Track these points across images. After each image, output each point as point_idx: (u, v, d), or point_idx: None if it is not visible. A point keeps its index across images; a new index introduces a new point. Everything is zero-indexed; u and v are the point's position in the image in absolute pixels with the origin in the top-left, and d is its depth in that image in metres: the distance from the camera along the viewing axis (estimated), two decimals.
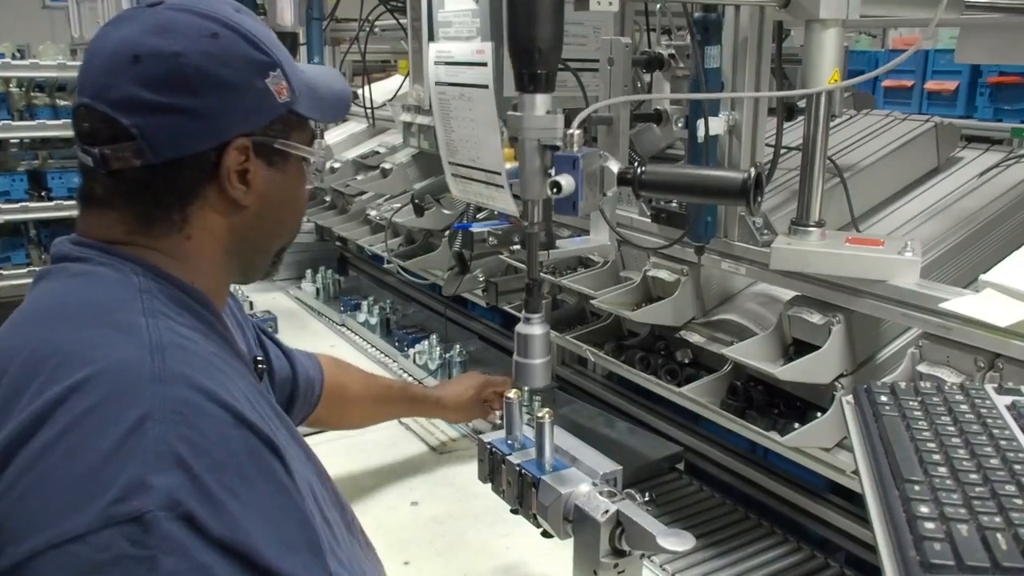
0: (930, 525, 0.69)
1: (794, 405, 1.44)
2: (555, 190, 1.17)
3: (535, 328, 1.23)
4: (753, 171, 1.14)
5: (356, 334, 2.68)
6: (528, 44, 1.13)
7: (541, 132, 1.18)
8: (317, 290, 2.98)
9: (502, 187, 1.70)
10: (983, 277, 1.16)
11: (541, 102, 1.17)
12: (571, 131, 1.19)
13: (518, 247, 1.41)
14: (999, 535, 0.67)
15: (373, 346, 2.58)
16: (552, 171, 1.19)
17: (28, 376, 0.80)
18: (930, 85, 3.46)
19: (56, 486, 0.74)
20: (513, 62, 1.16)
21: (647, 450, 1.79)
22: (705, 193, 1.23)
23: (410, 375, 2.34)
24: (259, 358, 1.12)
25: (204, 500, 0.75)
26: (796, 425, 1.36)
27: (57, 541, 0.71)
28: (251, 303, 2.82)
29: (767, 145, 1.41)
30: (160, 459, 0.75)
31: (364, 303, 2.70)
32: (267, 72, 0.95)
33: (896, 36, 4.34)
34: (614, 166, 1.22)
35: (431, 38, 1.85)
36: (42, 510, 0.73)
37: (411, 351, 2.37)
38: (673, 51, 1.42)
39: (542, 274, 1.72)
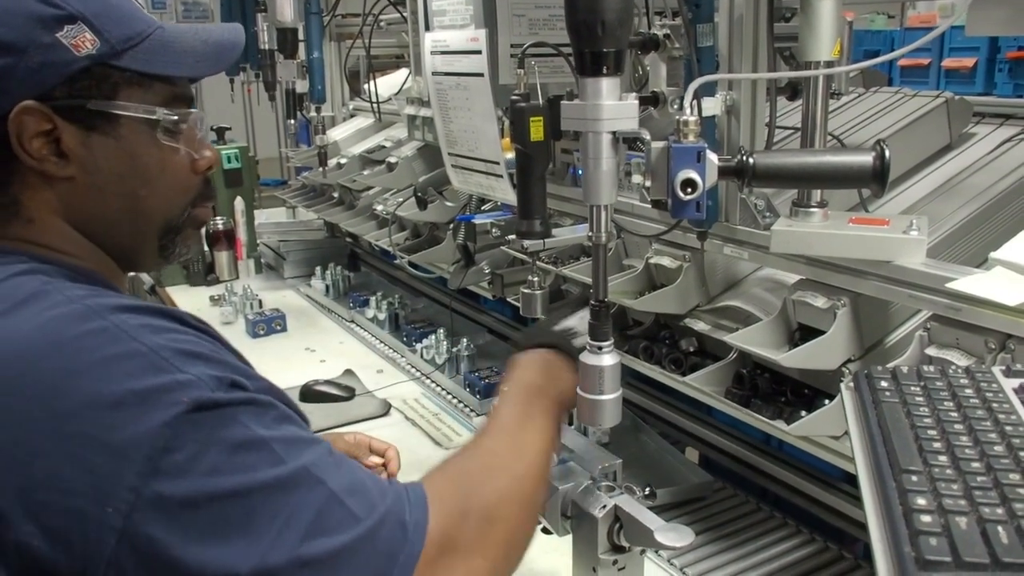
0: (927, 518, 0.65)
1: (802, 393, 1.40)
2: (689, 190, 1.05)
3: (605, 358, 1.06)
4: (878, 148, 1.08)
5: (365, 330, 2.66)
6: (589, 17, 0.95)
7: (617, 122, 1.01)
8: (327, 287, 2.96)
9: (501, 176, 1.68)
10: (993, 255, 1.12)
11: (610, 87, 1.00)
12: (685, 117, 1.08)
13: (513, 238, 1.37)
14: (1000, 528, 0.63)
15: (382, 342, 2.56)
16: (640, 167, 1.08)
17: None
18: (947, 63, 3.37)
19: (102, 436, 0.71)
20: (572, 40, 1.00)
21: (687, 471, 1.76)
22: (830, 180, 1.15)
23: (418, 370, 2.32)
24: None
25: (232, 371, 0.78)
26: (803, 413, 1.32)
27: (145, 469, 0.70)
28: (260, 301, 2.81)
29: (767, 125, 1.36)
30: (173, 360, 0.75)
31: (372, 299, 2.68)
32: (59, 26, 0.84)
33: (913, 14, 4.25)
34: (713, 157, 1.10)
35: (427, 27, 1.82)
36: (108, 462, 0.70)
37: (419, 346, 2.34)
38: (668, 31, 1.37)
39: (542, 264, 1.69)
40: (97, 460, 0.70)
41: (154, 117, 0.91)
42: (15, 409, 0.72)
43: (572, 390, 1.09)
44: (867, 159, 1.10)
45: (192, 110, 0.95)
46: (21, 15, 0.83)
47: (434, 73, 1.74)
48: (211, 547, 0.71)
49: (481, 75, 1.59)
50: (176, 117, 0.92)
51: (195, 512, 0.71)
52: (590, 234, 1.13)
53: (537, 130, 1.32)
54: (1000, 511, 0.65)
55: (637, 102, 1.05)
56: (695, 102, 1.14)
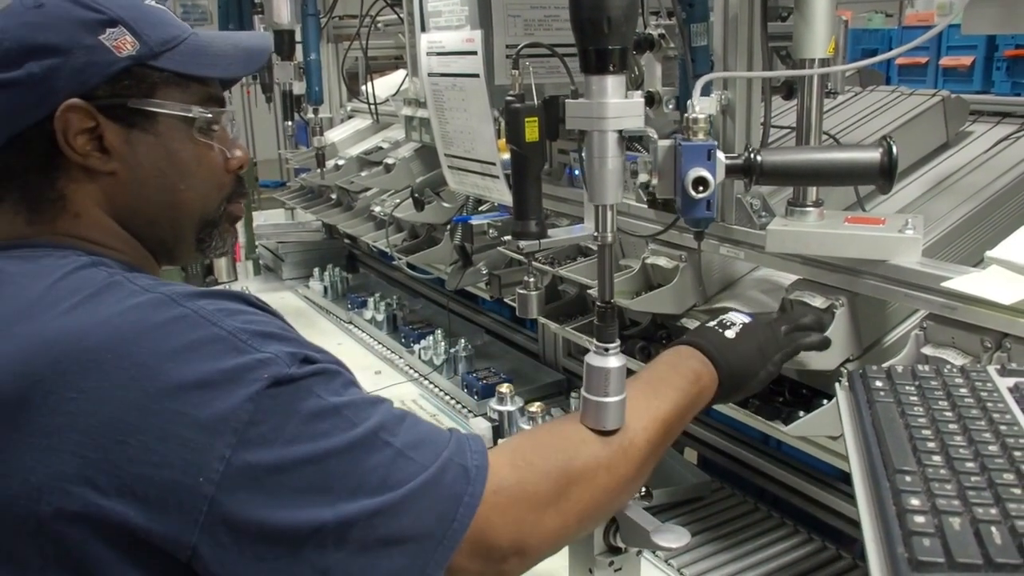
0: (920, 519, 0.65)
1: (800, 393, 1.40)
2: (701, 188, 1.05)
3: (611, 360, 1.03)
4: (885, 144, 1.08)
5: (363, 331, 2.66)
6: (594, 14, 0.94)
7: (623, 120, 0.99)
8: (325, 288, 2.96)
9: (498, 177, 1.67)
10: (988, 253, 1.11)
11: (615, 84, 0.98)
12: (694, 115, 1.08)
13: (509, 238, 1.36)
14: (994, 528, 0.63)
15: (380, 343, 2.56)
16: (647, 166, 1.09)
17: (52, 374, 0.77)
18: (945, 61, 3.37)
19: (192, 414, 0.76)
20: (576, 37, 0.99)
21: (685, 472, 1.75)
22: (838, 177, 1.15)
23: (416, 371, 2.32)
24: None
25: (303, 347, 0.84)
26: (801, 413, 1.31)
27: (233, 441, 0.76)
28: None
29: (762, 125, 1.36)
30: (251, 341, 0.80)
31: (371, 300, 2.68)
32: (102, 29, 0.91)
33: (911, 13, 4.25)
34: (721, 155, 1.10)
35: (423, 28, 1.82)
36: (198, 436, 0.76)
37: (417, 347, 2.34)
38: (663, 31, 1.37)
39: (538, 264, 1.69)
40: (189, 435, 0.76)
41: (190, 115, 0.97)
42: (109, 392, 0.76)
43: (707, 385, 1.10)
44: (875, 155, 1.10)
45: (225, 109, 1.02)
46: (66, 19, 0.90)
47: (430, 74, 1.73)
48: (293, 507, 0.77)
49: (477, 76, 1.59)
50: (210, 116, 0.99)
51: (279, 477, 0.77)
52: (596, 234, 1.11)
53: (532, 131, 1.31)
54: (994, 511, 0.65)
55: (643, 100, 1.04)
56: (701, 99, 1.14)
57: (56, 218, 0.93)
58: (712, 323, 1.17)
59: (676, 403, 1.05)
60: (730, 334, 1.14)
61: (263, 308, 0.88)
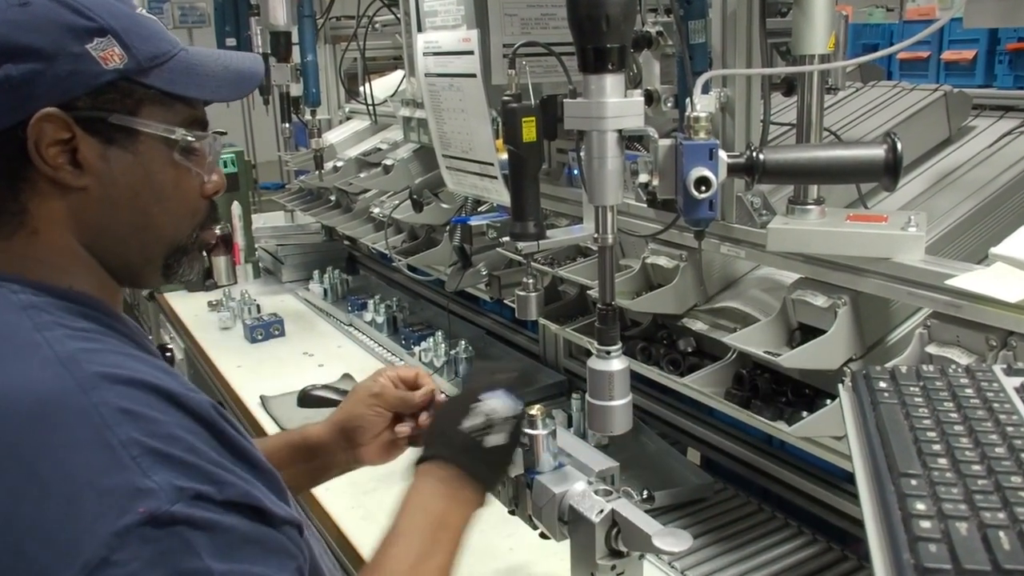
0: (926, 524, 0.63)
1: (803, 393, 1.38)
2: (703, 188, 1.04)
3: (613, 363, 1.02)
4: (890, 141, 1.06)
5: (363, 334, 2.65)
6: (592, 12, 0.93)
7: (622, 119, 0.97)
8: (325, 291, 2.95)
9: (496, 178, 1.66)
10: (993, 250, 1.10)
11: (614, 83, 0.97)
12: (695, 113, 1.06)
13: (507, 239, 1.35)
14: (1002, 533, 0.61)
15: (380, 345, 2.55)
16: (647, 165, 1.07)
17: None
18: (947, 55, 3.32)
19: (49, 530, 0.70)
20: (575, 36, 0.97)
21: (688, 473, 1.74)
22: (841, 175, 1.14)
23: None
24: (167, 345, 1.02)
25: (201, 478, 0.75)
26: (804, 414, 1.30)
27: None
28: (258, 306, 2.80)
29: (761, 122, 1.34)
30: (141, 460, 0.73)
31: (371, 302, 2.67)
32: (89, 37, 0.85)
33: (912, 7, 4.22)
34: (723, 154, 1.08)
35: (419, 28, 1.80)
36: (47, 558, 0.69)
37: (417, 349, 2.33)
38: (661, 28, 1.36)
39: (537, 265, 1.68)
40: (38, 553, 0.69)
41: (174, 137, 0.91)
42: None
43: (475, 511, 1.08)
44: (879, 152, 1.09)
45: (209, 134, 0.96)
46: (54, 23, 0.84)
47: (427, 74, 1.72)
48: None
49: (474, 76, 1.58)
50: (194, 139, 0.93)
51: None
52: (596, 235, 1.10)
53: (529, 131, 1.30)
54: (1002, 515, 0.63)
55: (643, 98, 1.02)
56: (701, 97, 1.12)
57: (13, 234, 0.87)
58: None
59: (457, 550, 1.04)
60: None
61: (187, 408, 0.79)
